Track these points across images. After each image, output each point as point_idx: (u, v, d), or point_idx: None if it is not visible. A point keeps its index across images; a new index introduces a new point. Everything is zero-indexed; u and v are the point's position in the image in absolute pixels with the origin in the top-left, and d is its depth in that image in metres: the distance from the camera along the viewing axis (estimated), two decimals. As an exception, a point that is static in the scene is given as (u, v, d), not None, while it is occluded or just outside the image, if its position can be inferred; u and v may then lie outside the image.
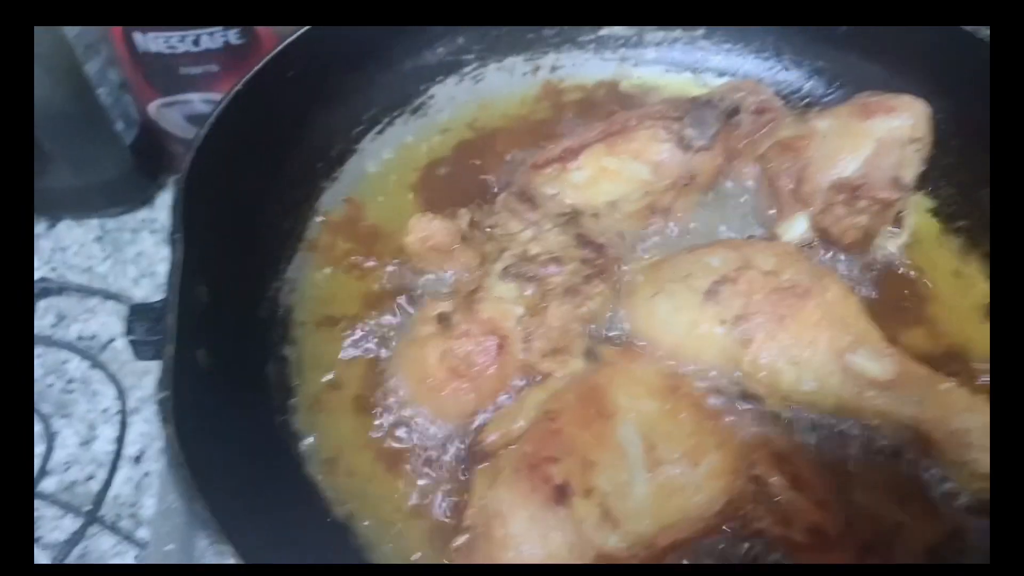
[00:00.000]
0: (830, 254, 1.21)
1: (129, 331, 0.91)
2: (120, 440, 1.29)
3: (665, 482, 0.92)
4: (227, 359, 1.01)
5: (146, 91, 1.64)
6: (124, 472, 1.29)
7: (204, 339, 0.95)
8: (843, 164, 1.17)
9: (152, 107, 1.67)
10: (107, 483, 1.25)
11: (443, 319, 1.01)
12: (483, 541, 0.88)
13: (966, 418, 0.97)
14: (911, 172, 1.14)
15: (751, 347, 1.01)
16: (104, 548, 1.23)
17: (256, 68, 1.16)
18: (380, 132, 1.39)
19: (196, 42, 1.52)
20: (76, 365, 1.41)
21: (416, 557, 0.96)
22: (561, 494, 0.86)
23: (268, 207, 1.20)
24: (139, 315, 0.92)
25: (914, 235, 1.25)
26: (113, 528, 1.21)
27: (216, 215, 1.08)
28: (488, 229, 1.22)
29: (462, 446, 1.02)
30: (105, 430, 1.35)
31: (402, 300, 1.17)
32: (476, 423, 1.03)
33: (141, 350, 0.92)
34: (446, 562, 0.93)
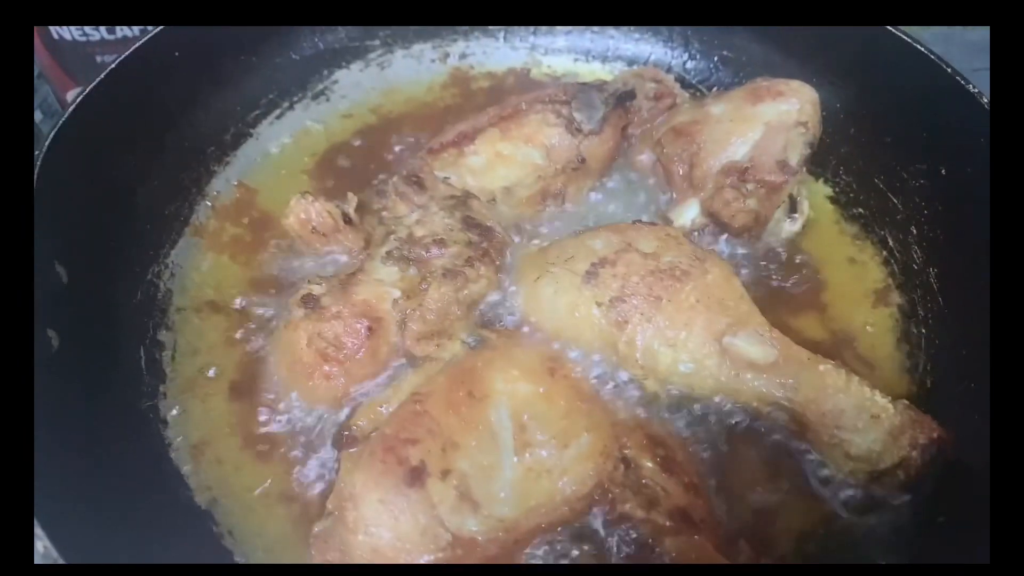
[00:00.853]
0: (723, 239, 1.20)
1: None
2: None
3: (533, 465, 0.90)
4: (90, 341, 0.98)
5: (63, 80, 1.60)
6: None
7: (58, 320, 0.91)
8: (733, 148, 1.17)
9: (71, 96, 1.63)
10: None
11: (308, 300, 0.99)
12: (339, 525, 0.86)
13: (840, 399, 0.97)
14: (796, 155, 1.14)
15: (626, 328, 1.00)
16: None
17: (133, 47, 1.13)
18: (279, 117, 1.37)
19: (111, 30, 1.49)
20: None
21: (278, 544, 0.92)
22: (415, 476, 0.84)
23: (150, 190, 1.16)
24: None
25: (811, 222, 1.25)
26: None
27: (87, 195, 1.05)
28: (379, 213, 1.20)
29: (333, 431, 0.99)
30: None
31: (285, 285, 1.14)
32: (349, 408, 1.01)
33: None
34: (309, 548, 0.89)
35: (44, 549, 0.68)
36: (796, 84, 1.18)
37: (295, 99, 1.38)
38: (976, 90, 1.11)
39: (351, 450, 0.93)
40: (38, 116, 1.63)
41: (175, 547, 0.87)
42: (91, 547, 0.73)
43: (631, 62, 1.49)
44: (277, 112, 1.36)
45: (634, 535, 0.92)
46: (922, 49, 1.19)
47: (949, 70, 1.15)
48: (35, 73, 1.61)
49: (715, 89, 1.44)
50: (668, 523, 0.88)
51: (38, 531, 0.68)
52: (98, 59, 1.54)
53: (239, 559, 0.91)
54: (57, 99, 1.65)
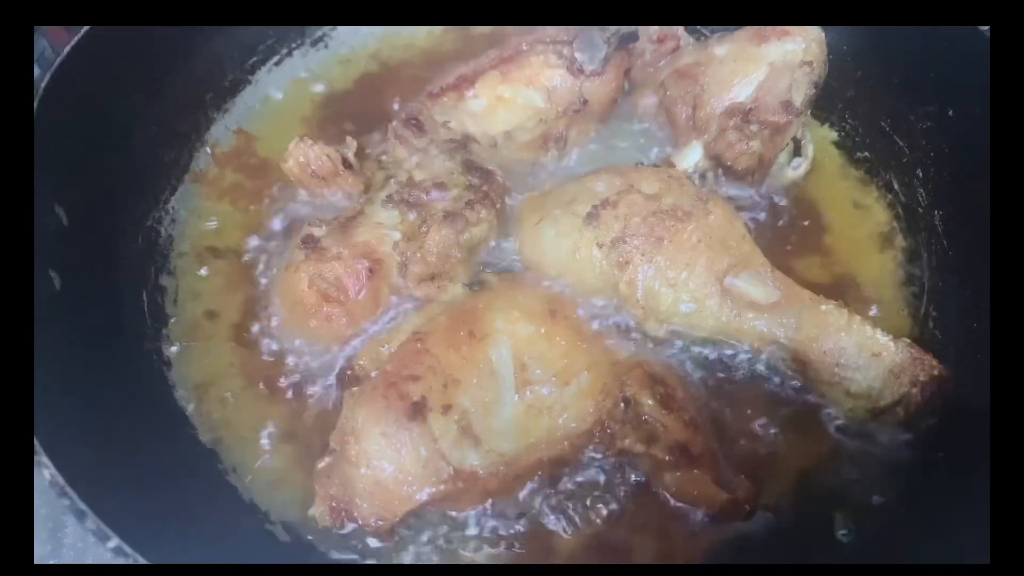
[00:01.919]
0: (727, 181, 1.19)
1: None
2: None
3: (533, 402, 0.91)
4: (91, 284, 0.98)
5: (59, 33, 1.58)
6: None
7: (58, 260, 0.92)
8: (737, 89, 1.15)
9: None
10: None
11: (309, 242, 0.99)
12: (341, 460, 0.87)
13: (841, 338, 0.97)
14: (800, 95, 1.12)
15: (627, 269, 1.00)
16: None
17: (128, -12, 1.11)
18: (277, 63, 1.35)
19: (107, -20, 1.47)
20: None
21: (282, 481, 0.94)
22: (416, 410, 0.84)
23: (148, 136, 1.15)
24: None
25: (816, 166, 1.24)
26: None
27: (85, 139, 1.04)
28: (379, 157, 1.20)
29: (335, 371, 1.00)
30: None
31: (285, 229, 1.14)
32: (351, 348, 1.01)
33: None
34: (312, 483, 0.90)
35: (51, 477, 0.69)
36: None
37: (293, 46, 1.36)
38: (985, 28, 1.09)
39: (353, 389, 0.94)
40: (36, 72, 1.61)
41: (181, 483, 0.89)
42: (98, 481, 0.73)
43: (634, 6, 1.46)
44: (276, 59, 1.34)
45: (628, 468, 0.93)
46: (932, -13, 1.16)
47: (959, 8, 1.12)
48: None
49: (719, 32, 1.42)
50: (667, 457, 0.89)
51: (45, 460, 0.69)
52: (96, 11, 1.52)
53: (244, 495, 0.93)
54: (54, 52, 1.63)
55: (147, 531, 0.71)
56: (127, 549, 0.66)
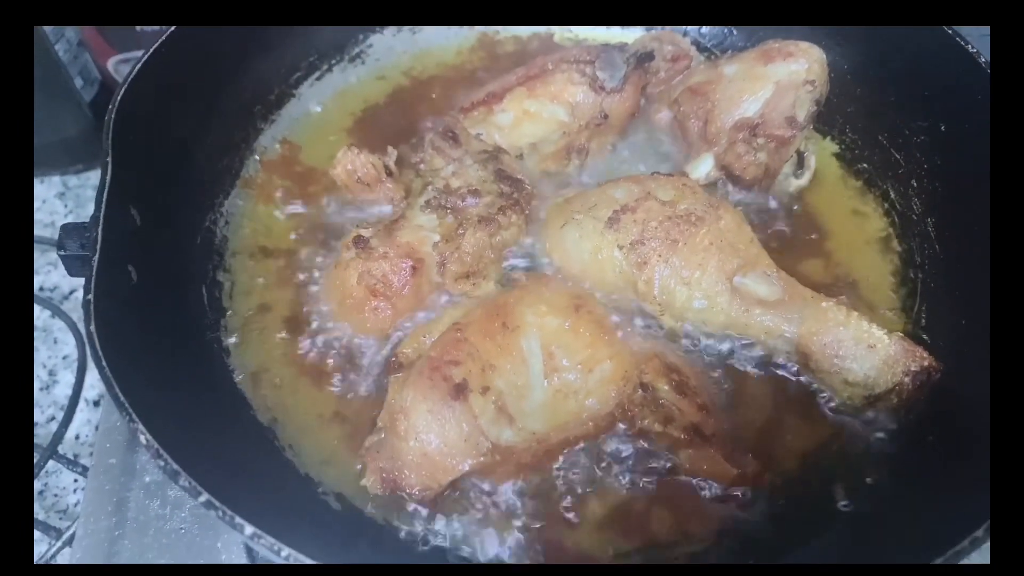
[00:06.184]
0: (736, 190, 1.29)
1: (60, 247, 0.97)
2: (79, 384, 1.29)
3: (561, 387, 1.01)
4: (161, 278, 1.07)
5: (103, 48, 1.68)
6: (84, 414, 1.36)
7: (135, 257, 1.02)
8: (745, 105, 1.25)
9: (110, 64, 1.72)
10: (65, 423, 1.25)
11: (359, 242, 1.09)
12: (390, 435, 0.96)
13: (840, 332, 1.06)
14: (803, 111, 1.22)
15: (645, 269, 1.09)
16: (65, 483, 1.30)
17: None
18: (319, 78, 1.46)
19: (151, 0, 1.57)
20: (38, 314, 1.47)
21: (333, 456, 1.04)
22: (459, 391, 0.94)
23: (205, 144, 1.26)
24: (70, 233, 0.98)
25: (818, 176, 1.34)
26: (72, 464, 1.23)
27: (151, 147, 1.14)
28: (416, 166, 1.30)
29: (380, 359, 1.10)
30: (66, 375, 1.41)
31: (330, 232, 1.24)
32: (395, 338, 1.11)
33: (72, 265, 0.98)
34: (359, 459, 1.00)
35: (146, 441, 0.79)
36: (805, 45, 1.26)
37: (333, 62, 1.47)
38: (975, 50, 1.19)
39: (398, 375, 1.04)
40: (78, 83, 1.71)
41: (245, 456, 0.98)
42: (183, 448, 0.82)
43: (650, 27, 1.56)
44: (317, 74, 1.45)
45: (648, 447, 1.03)
46: (925, 12, 1.26)
47: (950, 31, 1.22)
48: (76, 41, 1.70)
49: (729, 52, 1.52)
50: (683, 436, 0.99)
51: (142, 428, 0.79)
52: (137, 28, 1.63)
53: (300, 469, 1.02)
54: (96, 66, 1.74)
55: (224, 489, 0.80)
56: (216, 502, 0.76)
